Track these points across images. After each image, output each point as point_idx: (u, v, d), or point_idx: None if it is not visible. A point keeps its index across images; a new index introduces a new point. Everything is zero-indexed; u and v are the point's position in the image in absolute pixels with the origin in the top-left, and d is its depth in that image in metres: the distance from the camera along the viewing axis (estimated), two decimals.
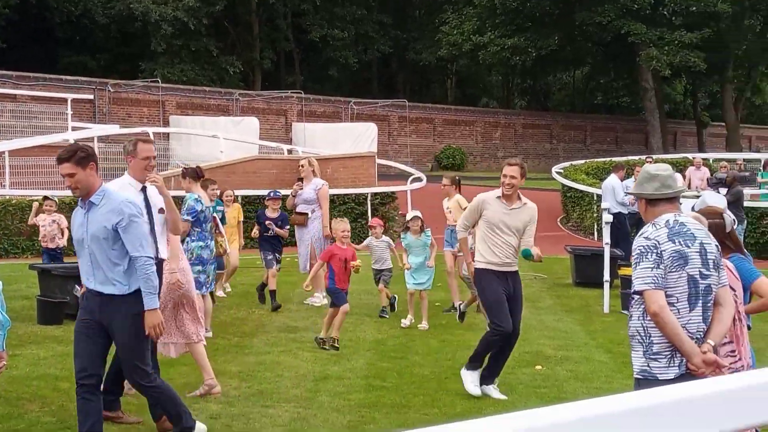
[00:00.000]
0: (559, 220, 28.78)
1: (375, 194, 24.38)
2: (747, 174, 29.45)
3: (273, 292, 13.45)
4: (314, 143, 34.34)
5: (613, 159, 31.53)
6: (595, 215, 24.24)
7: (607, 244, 14.84)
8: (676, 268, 5.14)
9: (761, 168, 31.26)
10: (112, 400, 7.66)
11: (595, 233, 24.26)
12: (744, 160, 33.22)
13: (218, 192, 13.44)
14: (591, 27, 46.66)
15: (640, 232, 5.37)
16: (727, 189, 20.93)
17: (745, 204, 21.54)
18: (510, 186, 8.94)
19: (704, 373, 4.96)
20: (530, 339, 11.80)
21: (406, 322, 12.50)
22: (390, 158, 37.41)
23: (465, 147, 48.37)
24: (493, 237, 9.00)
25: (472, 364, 9.05)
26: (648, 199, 5.44)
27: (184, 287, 8.37)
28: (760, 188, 28.17)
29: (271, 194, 14.46)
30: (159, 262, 7.44)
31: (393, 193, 25.46)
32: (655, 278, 5.12)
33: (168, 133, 30.96)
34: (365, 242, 13.80)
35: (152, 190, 7.80)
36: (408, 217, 13.24)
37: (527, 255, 9.17)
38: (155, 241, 7.54)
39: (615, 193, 19.39)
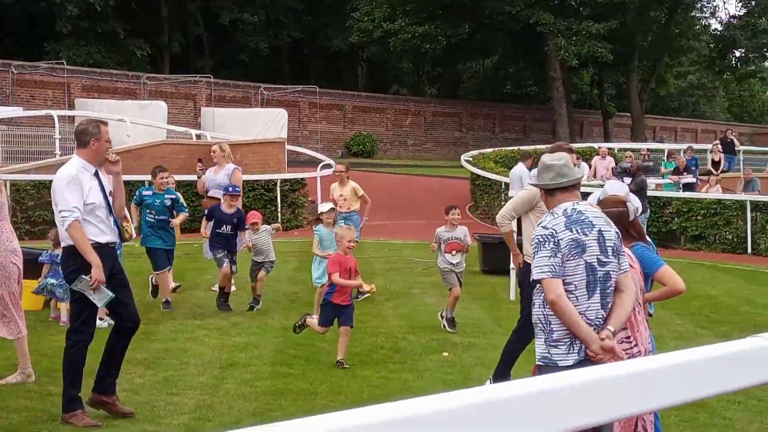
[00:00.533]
0: (467, 207, 28.99)
1: (284, 181, 24.28)
2: (650, 164, 30.03)
3: (226, 294, 12.67)
4: (224, 128, 34.05)
5: (521, 148, 31.81)
6: (503, 203, 24.48)
7: (513, 231, 14.99)
8: (573, 256, 5.22)
9: (665, 158, 31.94)
10: (110, 383, 7.69)
11: None
12: (648, 150, 33.84)
13: (169, 180, 12.97)
14: (500, 16, 47.04)
15: (538, 222, 5.45)
16: (631, 178, 21.33)
17: (649, 193, 21.98)
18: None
19: (603, 359, 5.06)
20: (438, 326, 11.88)
21: (313, 320, 12.01)
22: (300, 145, 37.25)
23: (375, 134, 48.41)
24: None
25: (501, 377, 8.62)
26: (545, 189, 5.52)
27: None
28: (663, 178, 28.76)
29: (230, 189, 13.02)
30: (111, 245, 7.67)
31: (302, 179, 25.37)
32: (552, 267, 5.19)
33: (73, 117, 30.34)
34: (245, 241, 12.90)
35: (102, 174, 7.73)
36: (323, 208, 12.70)
37: None
38: (116, 225, 7.73)
39: (522, 182, 19.60)
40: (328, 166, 27.58)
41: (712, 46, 56.24)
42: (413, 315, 12.92)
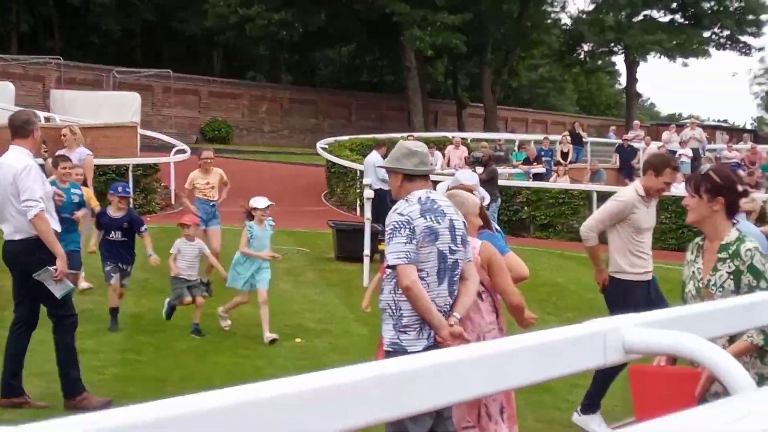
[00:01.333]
0: (323, 195, 29.08)
1: (137, 165, 23.77)
2: (502, 154, 30.68)
3: (115, 310, 10.96)
4: (74, 111, 33.10)
5: (376, 136, 32.05)
6: (358, 191, 24.62)
7: (368, 219, 15.12)
8: (427, 244, 5.31)
9: (515, 148, 32.70)
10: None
11: (358, 209, 24.64)
12: (506, 140, 34.57)
13: (73, 171, 11.45)
14: (357, 5, 47.15)
15: (393, 208, 5.51)
16: (483, 168, 21.75)
17: (500, 183, 22.46)
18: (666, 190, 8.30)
19: (451, 345, 5.16)
20: (291, 312, 11.91)
21: (227, 324, 10.96)
22: (154, 129, 36.52)
23: (231, 120, 47.93)
24: (640, 243, 7.92)
25: (591, 407, 7.98)
26: (406, 174, 5.59)
27: None
28: (514, 168, 29.44)
29: (120, 189, 11.39)
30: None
31: (155, 164, 24.92)
32: (407, 253, 5.26)
33: None
34: (175, 247, 11.14)
35: None
36: (259, 204, 11.09)
37: None
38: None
39: (376, 170, 19.78)
40: (182, 151, 27.18)
41: (562, 40, 57.72)
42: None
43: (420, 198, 5.42)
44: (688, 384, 3.75)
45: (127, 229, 11.12)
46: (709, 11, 55.40)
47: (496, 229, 6.85)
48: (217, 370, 8.98)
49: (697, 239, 5.03)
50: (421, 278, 5.28)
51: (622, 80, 66.69)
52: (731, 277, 4.76)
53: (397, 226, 5.33)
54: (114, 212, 11.16)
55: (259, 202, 11.08)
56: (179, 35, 55.62)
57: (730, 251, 4.78)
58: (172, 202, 24.00)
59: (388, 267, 5.40)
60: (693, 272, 4.97)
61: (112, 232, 11.07)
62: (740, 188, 4.91)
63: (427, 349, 5.22)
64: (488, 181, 17.60)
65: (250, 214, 10.98)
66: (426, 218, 5.33)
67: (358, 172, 24.85)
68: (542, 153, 30.34)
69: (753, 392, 2.02)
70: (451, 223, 5.41)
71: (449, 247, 5.37)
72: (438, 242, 5.33)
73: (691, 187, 4.92)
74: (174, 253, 10.97)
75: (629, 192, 8.03)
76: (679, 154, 29.21)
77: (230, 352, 9.86)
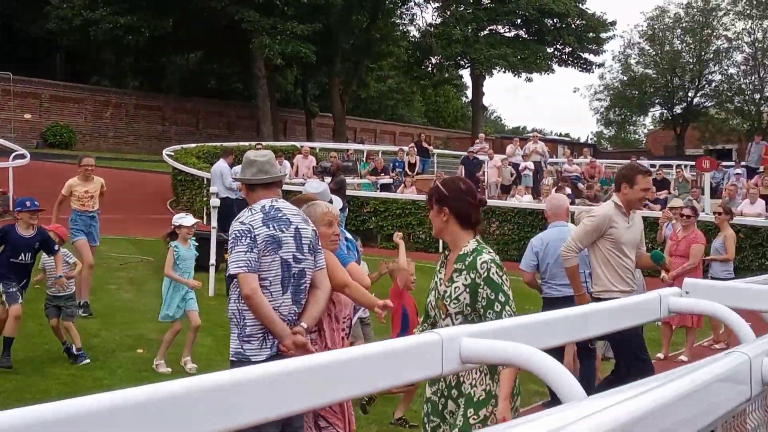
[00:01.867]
0: (169, 203, 28.62)
1: None
2: (350, 164, 30.86)
3: (9, 341, 9.57)
4: None
5: (224, 144, 31.76)
6: (204, 199, 24.33)
7: (214, 228, 14.98)
8: (269, 252, 5.29)
9: (363, 159, 32.92)
10: None
11: (204, 217, 24.37)
12: (354, 151, 34.74)
13: None
14: (206, 11, 46.66)
15: (236, 217, 5.48)
16: (331, 177, 21.81)
17: (348, 193, 22.57)
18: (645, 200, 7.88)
19: (295, 355, 5.14)
20: (133, 322, 11.66)
21: (166, 368, 9.84)
22: None
23: (74, 125, 46.70)
24: (620, 258, 7.69)
25: None
26: (248, 184, 5.57)
27: None
28: (361, 178, 29.64)
29: (28, 204, 10.10)
30: None
31: None
32: (248, 262, 5.23)
33: None
34: (64, 273, 10.13)
35: None
36: (185, 222, 10.05)
37: (659, 258, 8.00)
38: None
39: (223, 178, 19.62)
40: (22, 156, 26.38)
41: (410, 52, 58.42)
42: (109, 311, 12.60)
43: (264, 207, 5.40)
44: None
45: (38, 249, 10.03)
46: (552, 28, 57.06)
47: (347, 238, 6.86)
48: (54, 381, 8.71)
49: (446, 250, 4.99)
50: (264, 287, 5.25)
51: (469, 93, 67.89)
52: (467, 290, 4.70)
53: (238, 234, 5.30)
54: (24, 230, 9.92)
55: (185, 219, 10.08)
56: (20, 37, 53.84)
57: (467, 262, 4.74)
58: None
59: (230, 276, 5.36)
60: (435, 282, 4.93)
61: (21, 254, 9.88)
62: (470, 198, 4.83)
63: (270, 358, 5.20)
64: (336, 191, 17.66)
65: (173, 233, 9.93)
66: (269, 227, 5.31)
67: (205, 180, 24.57)
68: (396, 164, 30.64)
69: (585, 401, 2.07)
70: (297, 231, 5.40)
71: (294, 255, 5.36)
72: (281, 251, 5.31)
73: (428, 200, 4.98)
74: (41, 269, 10.25)
75: (605, 207, 7.92)
76: (522, 167, 29.98)
77: (68, 363, 9.57)
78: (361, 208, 24.45)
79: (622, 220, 7.64)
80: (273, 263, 5.30)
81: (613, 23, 59.01)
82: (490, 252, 4.80)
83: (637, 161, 31.71)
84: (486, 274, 4.67)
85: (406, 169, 30.42)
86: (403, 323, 8.61)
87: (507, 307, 4.63)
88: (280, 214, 5.40)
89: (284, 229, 5.35)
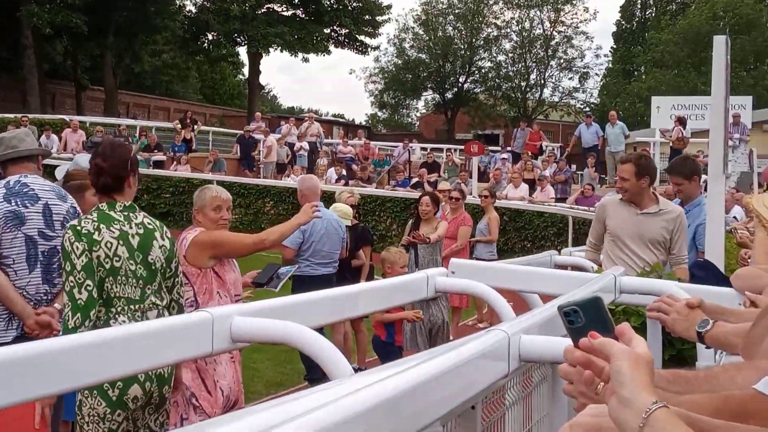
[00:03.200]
0: None
1: None
2: (122, 140, 30.05)
3: None
4: None
5: None
6: None
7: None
8: (10, 229, 5.08)
9: (137, 135, 32.12)
10: None
11: None
12: (126, 126, 33.75)
13: None
14: None
15: None
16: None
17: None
18: (623, 190, 7.11)
19: (40, 335, 4.97)
20: None
21: None
22: None
23: None
24: (621, 253, 7.02)
25: None
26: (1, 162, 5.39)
27: None
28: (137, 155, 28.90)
29: None
30: None
31: None
32: None
33: None
34: None
35: None
36: None
37: None
38: None
39: None
40: None
41: (186, 27, 57.36)
42: None
43: (9, 182, 5.20)
44: None
45: None
46: (329, 9, 57.36)
47: None
48: None
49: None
50: (7, 265, 5.04)
51: (246, 71, 67.39)
52: None
53: None
54: None
55: None
56: None
57: None
58: None
59: None
60: None
61: None
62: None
63: (16, 339, 5.00)
64: None
65: None
66: (10, 202, 5.10)
67: None
68: (175, 148, 29.99)
69: (354, 377, 2.12)
70: (47, 207, 5.22)
71: (41, 232, 5.17)
72: (24, 227, 5.11)
73: None
74: None
75: (605, 197, 7.55)
76: (298, 147, 30.07)
77: None
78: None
79: (619, 210, 7.17)
80: (15, 240, 5.09)
81: (389, 7, 59.93)
82: (94, 221, 4.57)
83: (411, 144, 32.48)
84: (66, 242, 4.50)
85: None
86: None
87: (71, 277, 4.43)
88: (26, 189, 5.20)
89: (28, 205, 5.16)
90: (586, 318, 1.78)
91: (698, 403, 1.75)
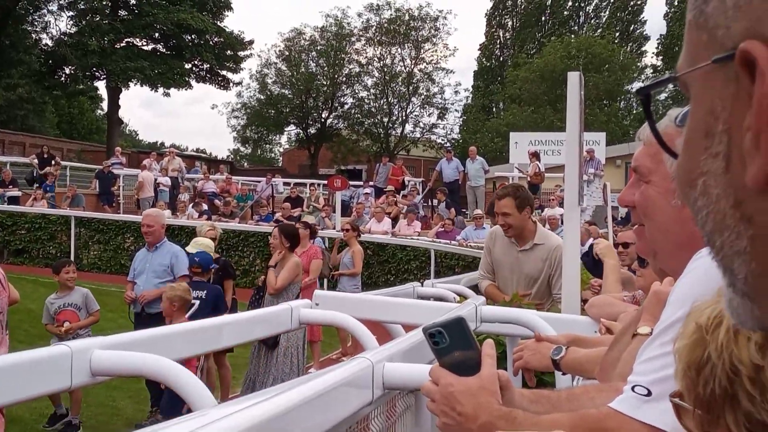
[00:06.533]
0: None
1: None
2: None
3: None
4: None
5: None
6: None
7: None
8: None
9: None
10: None
11: None
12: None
13: None
14: None
15: None
16: None
17: None
18: (506, 226, 6.86)
19: None
20: None
21: None
22: None
23: None
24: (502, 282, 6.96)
25: None
26: None
27: None
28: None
29: None
30: None
31: None
32: None
33: None
34: None
35: None
36: None
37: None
38: None
39: None
40: None
41: (42, 60, 56.07)
42: None
43: None
44: None
45: None
46: (191, 43, 56.94)
47: None
48: None
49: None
50: None
51: (105, 105, 66.16)
52: None
53: None
54: None
55: None
56: None
57: None
58: None
59: None
60: None
61: None
62: None
63: None
64: None
65: None
66: None
67: None
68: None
69: (215, 408, 2.11)
70: None
71: None
72: None
73: None
74: None
75: (495, 227, 7.35)
76: (158, 182, 29.63)
77: None
78: None
79: (500, 244, 7.07)
80: None
81: (251, 42, 59.87)
82: None
83: (274, 179, 32.41)
84: None
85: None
86: None
87: None
88: None
89: None
90: (450, 338, 1.84)
91: (557, 422, 1.81)
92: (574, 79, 5.77)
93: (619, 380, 2.16)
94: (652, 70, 63.35)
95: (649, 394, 1.71)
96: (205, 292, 10.14)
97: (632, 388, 1.75)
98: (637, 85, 60.37)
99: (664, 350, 1.69)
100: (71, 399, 9.70)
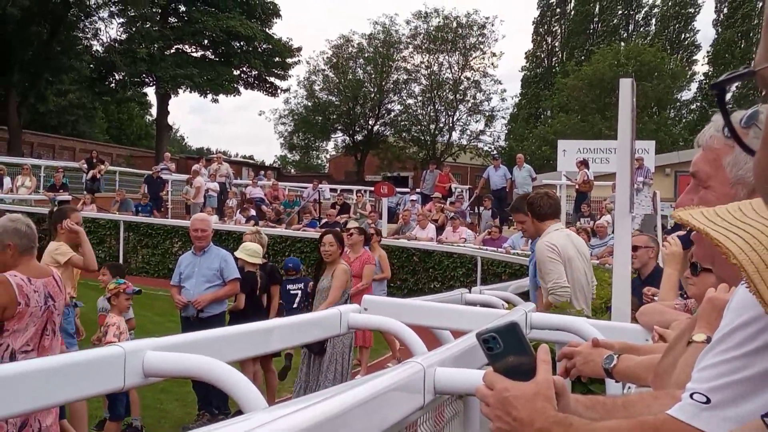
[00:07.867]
0: None
1: None
2: None
3: None
4: None
5: None
6: None
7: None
8: None
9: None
10: None
11: None
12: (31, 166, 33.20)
13: None
14: None
15: None
16: None
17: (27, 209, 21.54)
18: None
19: None
20: None
21: None
22: None
23: None
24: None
25: None
26: None
27: None
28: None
29: None
30: None
31: None
32: None
33: None
34: None
35: None
36: None
37: None
38: None
39: None
40: None
41: (93, 67, 56.71)
42: None
43: None
44: None
45: None
46: (239, 50, 57.30)
47: None
48: None
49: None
50: None
51: (154, 111, 66.77)
52: None
53: None
54: None
55: None
56: None
57: None
58: None
59: None
60: None
61: None
62: None
63: None
64: None
65: None
66: None
67: None
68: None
69: (267, 411, 2.11)
70: None
71: None
72: None
73: None
74: None
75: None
76: (207, 188, 29.82)
77: None
78: (38, 225, 23.42)
79: None
80: None
81: (299, 49, 60.10)
82: None
83: (320, 185, 32.48)
84: None
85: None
86: None
87: None
88: None
89: None
90: (505, 344, 1.82)
91: (614, 429, 1.79)
92: (626, 85, 5.72)
93: (674, 388, 2.13)
94: (703, 78, 62.77)
95: (708, 401, 1.68)
96: (302, 284, 11.83)
97: (691, 396, 1.72)
98: (687, 94, 59.79)
99: (724, 357, 1.66)
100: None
